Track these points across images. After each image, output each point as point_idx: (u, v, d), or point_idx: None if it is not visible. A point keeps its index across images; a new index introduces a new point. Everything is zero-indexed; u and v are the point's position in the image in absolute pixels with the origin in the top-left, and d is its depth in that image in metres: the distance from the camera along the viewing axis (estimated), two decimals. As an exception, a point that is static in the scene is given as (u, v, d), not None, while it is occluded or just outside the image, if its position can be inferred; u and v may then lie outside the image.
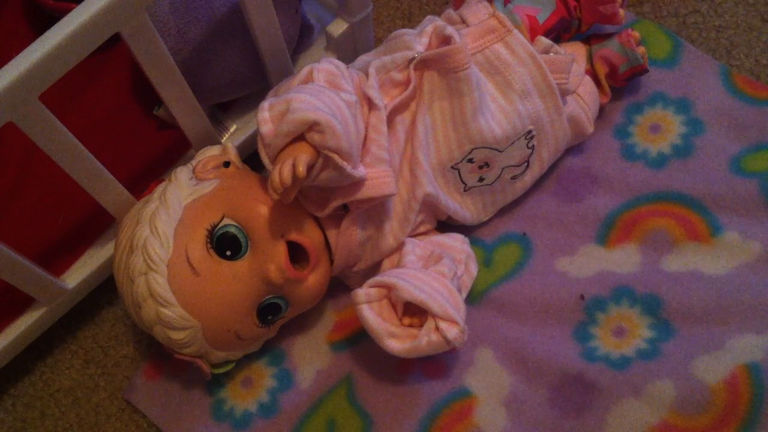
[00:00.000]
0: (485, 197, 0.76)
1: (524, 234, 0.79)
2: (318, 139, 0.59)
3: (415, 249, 0.71)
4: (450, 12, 0.76)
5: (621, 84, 0.82)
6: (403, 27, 0.80)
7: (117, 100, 0.83)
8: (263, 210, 0.66)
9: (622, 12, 0.79)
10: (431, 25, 0.70)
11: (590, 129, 0.79)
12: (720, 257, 0.74)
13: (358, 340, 0.76)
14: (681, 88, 0.83)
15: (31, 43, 0.54)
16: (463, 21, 0.74)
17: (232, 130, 0.82)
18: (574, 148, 0.81)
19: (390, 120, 0.69)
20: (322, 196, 0.67)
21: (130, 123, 0.82)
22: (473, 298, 0.76)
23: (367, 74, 0.69)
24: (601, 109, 0.82)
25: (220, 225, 0.66)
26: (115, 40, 0.59)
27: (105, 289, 0.80)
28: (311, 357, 0.77)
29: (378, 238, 0.71)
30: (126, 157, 0.79)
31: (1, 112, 0.54)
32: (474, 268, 0.74)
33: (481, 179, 0.74)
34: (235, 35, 0.74)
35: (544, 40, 0.73)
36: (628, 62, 0.79)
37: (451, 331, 0.65)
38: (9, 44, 0.84)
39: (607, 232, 0.78)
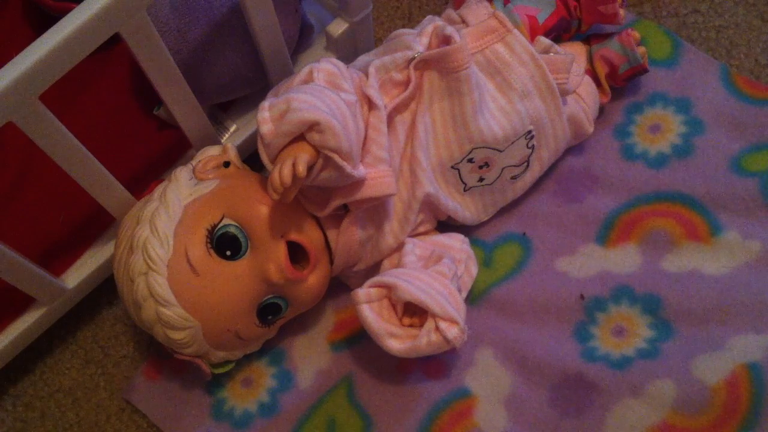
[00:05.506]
0: (485, 197, 0.76)
1: (524, 234, 0.79)
2: (318, 139, 0.59)
3: (415, 249, 0.71)
4: (450, 12, 0.76)
5: (621, 84, 0.82)
6: (403, 27, 0.80)
7: (117, 100, 0.83)
8: (263, 210, 0.66)
9: (622, 12, 0.79)
10: (431, 25, 0.70)
11: (590, 129, 0.79)
12: (720, 257, 0.74)
13: (358, 340, 0.76)
14: (681, 88, 0.83)
15: (31, 43, 0.54)
16: (463, 21, 0.74)
17: (232, 130, 0.82)
18: (574, 148, 0.81)
19: (390, 120, 0.69)
20: (322, 196, 0.67)
21: (130, 123, 0.82)
22: (473, 298, 0.76)
23: (367, 74, 0.69)
24: (601, 109, 0.82)
25: (220, 225, 0.66)
26: (115, 40, 0.59)
27: (105, 289, 0.80)
28: (311, 357, 0.77)
29: (378, 238, 0.71)
30: (126, 157, 0.79)
31: (1, 112, 0.54)
32: (474, 268, 0.74)
33: (481, 179, 0.74)
34: (235, 35, 0.74)
35: (544, 40, 0.74)
36: (628, 62, 0.79)
37: (451, 331, 0.65)
38: (9, 44, 0.84)
39: (607, 232, 0.78)
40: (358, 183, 0.64)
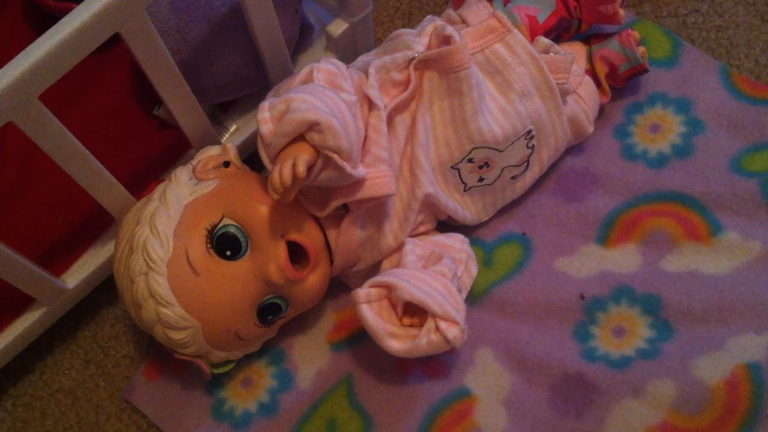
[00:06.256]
0: (485, 197, 0.76)
1: (524, 234, 0.79)
2: (318, 139, 0.59)
3: (415, 249, 0.71)
4: (450, 12, 0.76)
5: (621, 84, 0.82)
6: (403, 27, 0.80)
7: (117, 100, 0.83)
8: (263, 210, 0.66)
9: (622, 12, 0.79)
10: (431, 25, 0.70)
11: (590, 129, 0.79)
12: (720, 257, 0.74)
13: (358, 340, 0.76)
14: (681, 88, 0.83)
15: (31, 43, 0.54)
16: (463, 21, 0.74)
17: (232, 130, 0.82)
18: (574, 148, 0.81)
19: (390, 120, 0.69)
20: (322, 196, 0.67)
21: (130, 123, 0.82)
22: (473, 298, 0.76)
23: (367, 74, 0.69)
24: (601, 109, 0.82)
25: (220, 225, 0.66)
26: (115, 40, 0.59)
27: (105, 289, 0.80)
28: (311, 357, 0.77)
29: (378, 238, 0.71)
30: (126, 157, 0.79)
31: (1, 112, 0.54)
32: (474, 268, 0.74)
33: (481, 179, 0.74)
34: (235, 35, 0.74)
35: (544, 40, 0.74)
36: (628, 62, 0.79)
37: (451, 331, 0.65)
38: (9, 44, 0.84)
39: (607, 232, 0.78)
40: (358, 183, 0.64)
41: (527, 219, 0.79)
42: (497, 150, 0.72)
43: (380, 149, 0.66)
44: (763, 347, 0.68)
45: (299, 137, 0.60)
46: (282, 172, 0.59)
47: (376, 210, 0.70)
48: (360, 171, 0.63)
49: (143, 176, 0.78)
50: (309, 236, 0.68)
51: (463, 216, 0.75)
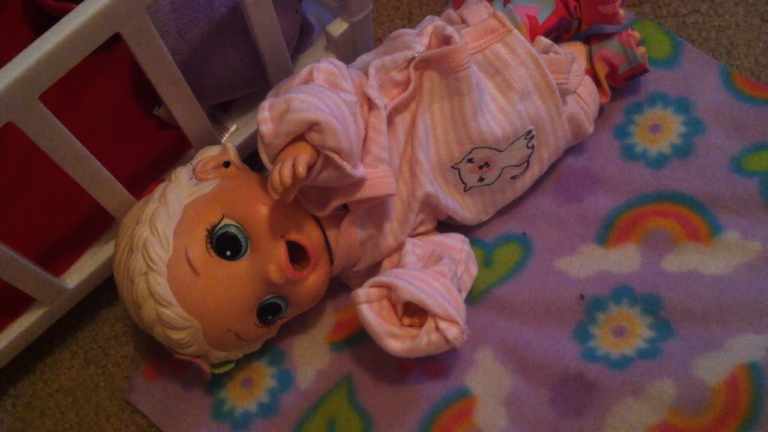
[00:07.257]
0: (485, 197, 0.76)
1: (524, 234, 0.79)
2: (318, 138, 0.59)
3: (415, 249, 0.71)
4: (450, 12, 0.76)
5: (621, 84, 0.82)
6: (403, 27, 0.80)
7: (117, 100, 0.83)
8: (263, 210, 0.66)
9: (622, 12, 0.79)
10: (431, 24, 0.70)
11: (590, 129, 0.79)
12: (720, 257, 0.74)
13: (358, 340, 0.76)
14: (681, 88, 0.83)
15: (31, 43, 0.54)
16: (463, 21, 0.74)
17: (232, 130, 0.82)
18: (574, 148, 0.81)
19: (390, 120, 0.69)
20: (322, 196, 0.67)
21: (130, 123, 0.82)
22: (473, 298, 0.76)
23: (367, 74, 0.69)
24: (601, 109, 0.82)
25: (220, 225, 0.66)
26: (115, 40, 0.59)
27: (105, 289, 0.80)
28: (311, 357, 0.77)
29: (378, 237, 0.71)
30: (126, 157, 0.79)
31: (1, 112, 0.54)
32: (474, 268, 0.74)
33: (481, 179, 0.74)
34: (235, 35, 0.74)
35: (544, 40, 0.74)
36: (628, 62, 0.79)
37: (451, 331, 0.65)
38: (9, 44, 0.84)
39: (607, 232, 0.78)
40: (358, 183, 0.64)
41: (527, 219, 0.80)
42: (497, 150, 0.72)
43: (380, 149, 0.66)
44: (763, 347, 0.68)
45: (299, 137, 0.60)
46: (282, 172, 0.59)
47: (376, 210, 0.70)
48: (360, 171, 0.63)
49: (143, 176, 0.78)
50: (309, 236, 0.68)
51: (463, 216, 0.75)
